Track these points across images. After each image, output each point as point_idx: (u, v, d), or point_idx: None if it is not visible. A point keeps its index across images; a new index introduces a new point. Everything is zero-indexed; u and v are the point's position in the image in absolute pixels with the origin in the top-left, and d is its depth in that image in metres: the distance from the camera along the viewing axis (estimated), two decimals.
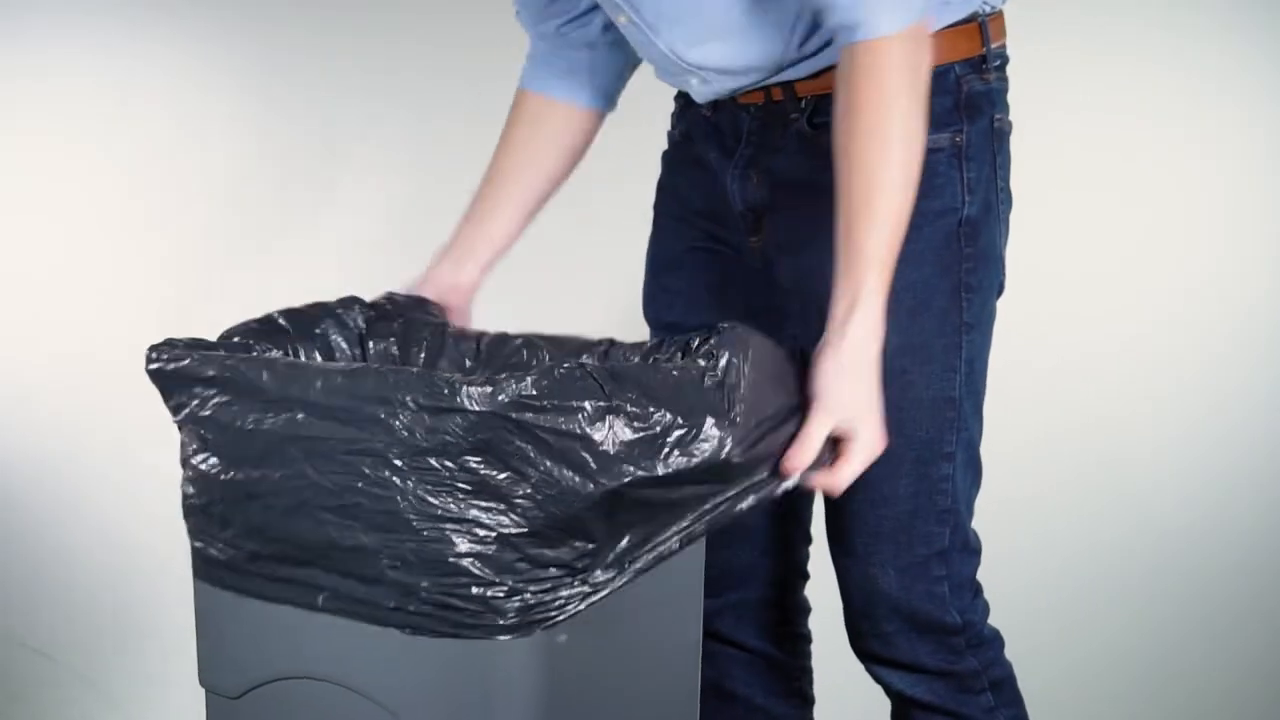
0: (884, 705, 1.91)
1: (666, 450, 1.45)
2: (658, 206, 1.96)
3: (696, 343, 1.57)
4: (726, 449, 1.48)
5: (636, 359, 1.64)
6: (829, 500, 1.82)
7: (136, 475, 2.71)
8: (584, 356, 1.66)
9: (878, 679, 1.86)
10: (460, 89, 2.84)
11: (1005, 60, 1.79)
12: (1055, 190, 2.69)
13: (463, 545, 1.39)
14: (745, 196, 1.79)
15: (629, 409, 1.42)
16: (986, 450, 1.84)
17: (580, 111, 1.93)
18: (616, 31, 1.89)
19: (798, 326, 1.81)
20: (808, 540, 1.98)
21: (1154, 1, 2.93)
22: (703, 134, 1.86)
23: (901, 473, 1.76)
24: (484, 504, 1.39)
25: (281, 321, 1.68)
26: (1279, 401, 3.01)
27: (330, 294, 1.72)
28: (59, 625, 2.80)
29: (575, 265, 2.76)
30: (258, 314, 1.68)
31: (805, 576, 1.99)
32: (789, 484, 1.59)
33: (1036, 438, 2.91)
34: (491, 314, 1.87)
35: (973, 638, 1.82)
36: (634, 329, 1.99)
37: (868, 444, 1.62)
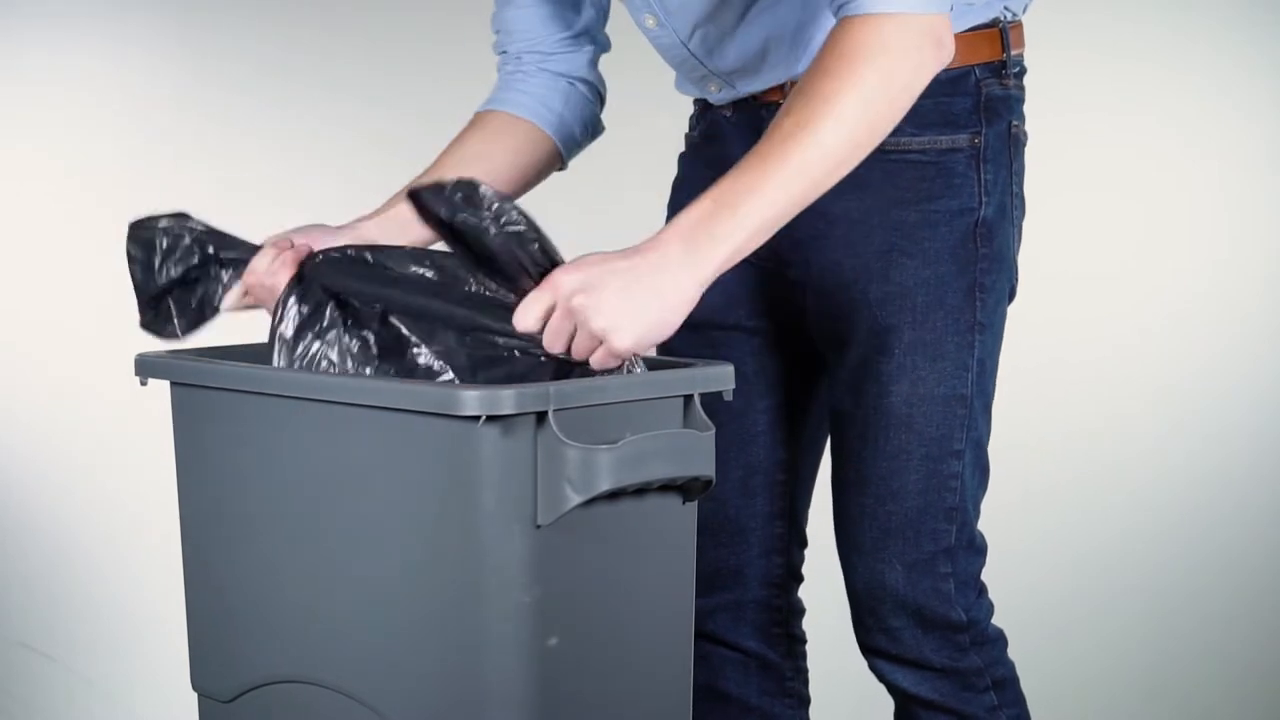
0: (881, 706, 1.91)
1: None
2: (673, 205, 1.96)
3: None
4: None
5: None
6: (837, 495, 1.84)
7: (136, 475, 2.71)
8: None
9: (881, 676, 1.86)
10: (466, 93, 2.84)
11: (1024, 70, 1.81)
12: (1055, 193, 2.69)
13: None
14: None
15: None
16: (991, 451, 1.84)
17: (541, 134, 1.87)
18: (597, 70, 1.91)
19: (813, 324, 1.82)
20: (803, 543, 1.99)
21: (1152, 4, 2.93)
22: (724, 134, 1.87)
23: (910, 468, 1.77)
24: None
25: None
26: None
27: None
28: (59, 625, 2.80)
29: None
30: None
31: (799, 579, 1.99)
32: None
33: (1040, 439, 2.91)
34: None
35: (977, 635, 1.83)
36: None
37: (596, 335, 1.48)
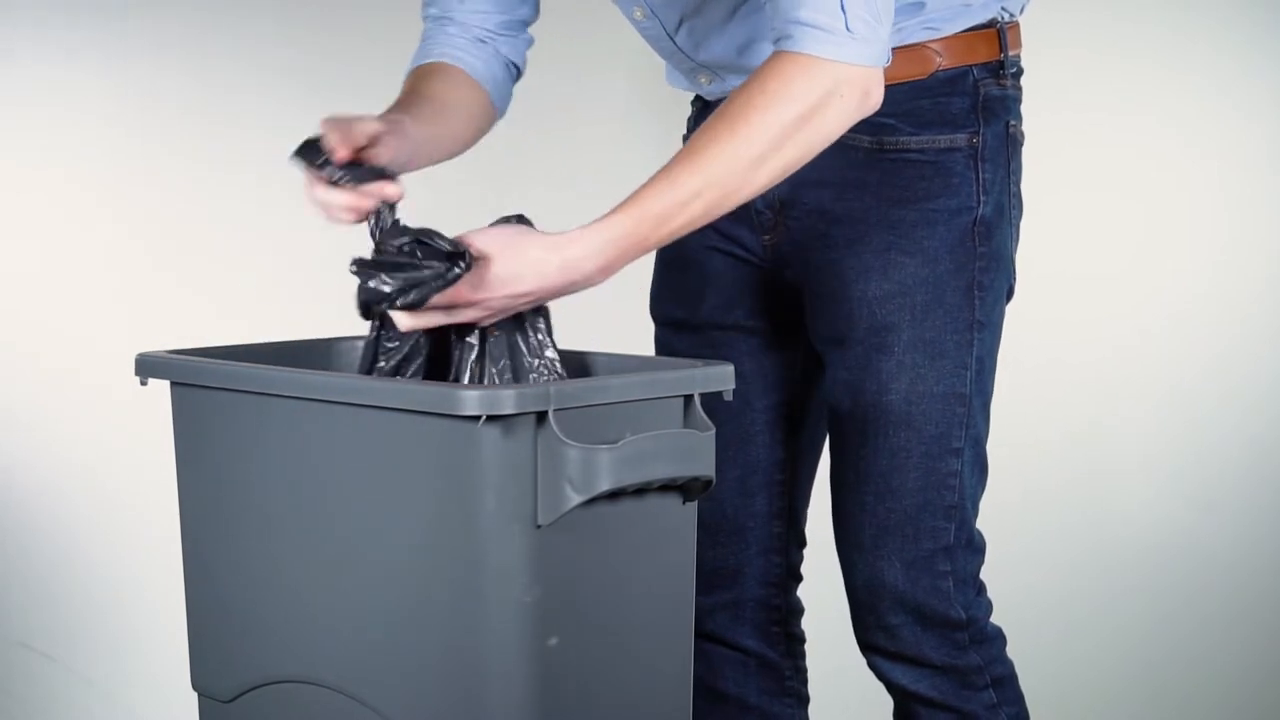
0: (880, 705, 1.91)
1: None
2: None
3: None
4: None
5: None
6: (836, 494, 1.85)
7: (136, 475, 2.71)
8: None
9: (881, 675, 1.86)
10: None
11: (1021, 70, 1.82)
12: (1054, 193, 2.69)
13: None
14: (765, 194, 1.80)
15: None
16: (990, 450, 1.84)
17: (489, 101, 1.85)
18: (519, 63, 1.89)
19: (811, 323, 1.82)
20: (802, 543, 1.99)
21: (1152, 4, 2.93)
22: None
23: (910, 466, 1.78)
24: None
25: None
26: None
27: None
28: (59, 625, 2.80)
29: None
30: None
31: (798, 578, 1.99)
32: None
33: (1039, 439, 2.91)
34: None
35: (976, 633, 1.83)
36: (638, 325, 1.99)
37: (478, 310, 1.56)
